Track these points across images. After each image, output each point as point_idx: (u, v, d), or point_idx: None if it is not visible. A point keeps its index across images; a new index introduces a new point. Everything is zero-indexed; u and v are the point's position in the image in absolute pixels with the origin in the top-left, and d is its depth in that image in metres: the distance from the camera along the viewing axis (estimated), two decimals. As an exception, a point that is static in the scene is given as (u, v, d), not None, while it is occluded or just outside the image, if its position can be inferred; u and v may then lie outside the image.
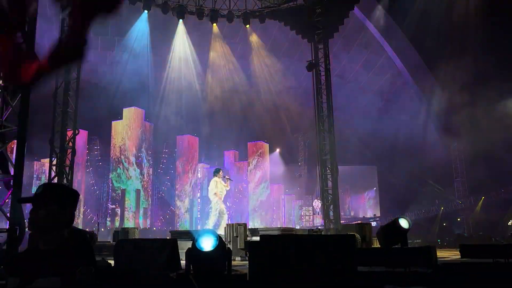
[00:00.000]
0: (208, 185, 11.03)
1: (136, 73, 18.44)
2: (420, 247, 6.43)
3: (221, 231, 9.77)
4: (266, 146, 24.33)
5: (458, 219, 19.77)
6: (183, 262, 5.49)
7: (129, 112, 21.15)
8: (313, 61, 15.10)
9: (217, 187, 10.29)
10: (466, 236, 17.09)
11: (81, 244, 2.05)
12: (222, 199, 10.40)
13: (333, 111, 15.14)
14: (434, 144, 17.40)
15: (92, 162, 22.18)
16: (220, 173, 10.53)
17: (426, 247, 6.05)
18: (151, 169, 22.16)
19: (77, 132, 11.99)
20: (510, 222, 18.55)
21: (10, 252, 6.40)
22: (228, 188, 10.62)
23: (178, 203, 22.53)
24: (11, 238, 6.60)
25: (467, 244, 6.88)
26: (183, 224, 21.89)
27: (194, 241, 4.94)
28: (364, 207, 24.23)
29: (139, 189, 21.35)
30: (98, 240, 9.77)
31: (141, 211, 21.42)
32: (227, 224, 9.43)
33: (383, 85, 18.85)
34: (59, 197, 2.08)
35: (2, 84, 7.09)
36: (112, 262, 6.47)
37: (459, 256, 6.34)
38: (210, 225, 10.27)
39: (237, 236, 8.20)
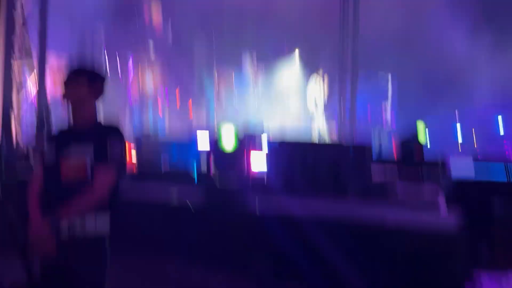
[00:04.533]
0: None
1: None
2: (436, 162, 6.50)
3: None
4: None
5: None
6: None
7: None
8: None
9: (313, 90, 9.45)
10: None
11: (113, 126, 2.14)
12: (319, 104, 9.46)
13: (359, 14, 14.35)
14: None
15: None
16: (319, 72, 9.12)
17: (442, 162, 6.11)
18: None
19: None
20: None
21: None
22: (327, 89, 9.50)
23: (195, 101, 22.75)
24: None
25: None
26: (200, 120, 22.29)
27: (216, 141, 5.06)
28: (382, 116, 24.08)
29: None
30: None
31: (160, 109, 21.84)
32: (245, 134, 9.45)
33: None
34: (89, 71, 2.17)
35: None
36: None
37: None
38: None
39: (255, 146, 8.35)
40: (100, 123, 2.13)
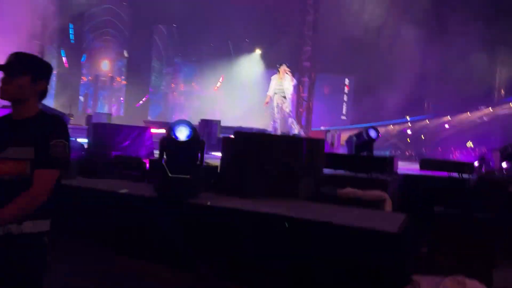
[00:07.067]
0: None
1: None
2: (383, 157, 6.77)
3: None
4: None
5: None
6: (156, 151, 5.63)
7: None
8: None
9: (275, 85, 8.29)
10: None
11: (55, 118, 2.03)
12: (285, 100, 8.13)
13: (319, 15, 14.67)
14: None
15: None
16: (283, 66, 8.28)
17: (389, 156, 6.39)
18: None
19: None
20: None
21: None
22: (293, 83, 8.32)
23: (152, 93, 22.44)
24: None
25: (426, 159, 7.27)
26: (156, 113, 22.02)
27: (169, 130, 4.99)
28: (337, 114, 24.64)
29: (112, 76, 21.05)
30: (70, 123, 9.77)
31: (114, 99, 21.34)
32: (201, 119, 9.42)
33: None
34: (33, 68, 2.00)
35: None
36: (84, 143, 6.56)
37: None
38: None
39: (210, 132, 8.34)
40: (42, 114, 1.99)
